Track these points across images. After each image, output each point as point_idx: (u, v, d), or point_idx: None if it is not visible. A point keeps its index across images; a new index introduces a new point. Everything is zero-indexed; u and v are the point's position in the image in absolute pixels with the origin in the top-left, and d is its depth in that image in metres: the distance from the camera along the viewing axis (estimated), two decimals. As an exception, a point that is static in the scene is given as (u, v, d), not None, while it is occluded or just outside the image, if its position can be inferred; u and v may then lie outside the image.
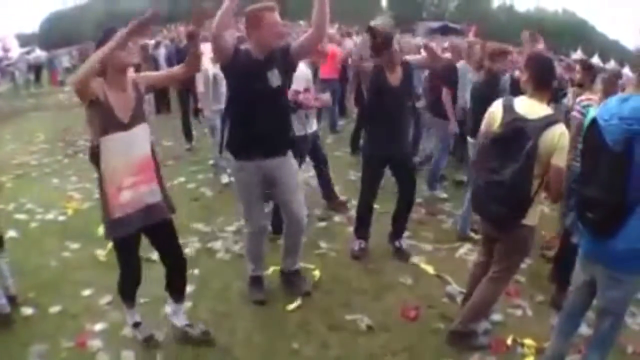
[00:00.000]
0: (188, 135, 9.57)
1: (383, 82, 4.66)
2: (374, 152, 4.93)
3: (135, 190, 3.20)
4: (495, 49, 5.43)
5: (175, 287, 3.66)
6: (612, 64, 23.76)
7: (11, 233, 5.40)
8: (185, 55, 3.53)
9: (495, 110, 3.39)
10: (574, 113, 4.70)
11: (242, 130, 3.84)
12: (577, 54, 25.64)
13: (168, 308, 3.87)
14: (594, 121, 2.87)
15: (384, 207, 5.63)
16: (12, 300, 4.05)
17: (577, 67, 5.80)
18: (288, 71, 3.90)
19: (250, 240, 4.20)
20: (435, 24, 39.61)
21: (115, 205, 3.15)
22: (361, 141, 7.03)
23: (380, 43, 4.85)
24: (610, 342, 3.13)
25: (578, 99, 4.80)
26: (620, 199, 2.68)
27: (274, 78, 3.74)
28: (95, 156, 3.14)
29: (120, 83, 3.14)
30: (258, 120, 3.74)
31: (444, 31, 33.69)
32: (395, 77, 4.67)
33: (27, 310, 4.07)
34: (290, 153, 4.03)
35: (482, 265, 3.81)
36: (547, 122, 3.12)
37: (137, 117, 3.20)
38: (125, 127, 3.12)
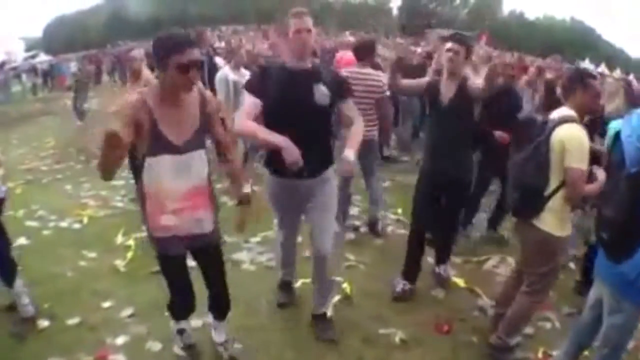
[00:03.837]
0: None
1: (435, 97, 4.22)
2: (423, 171, 4.46)
3: (179, 217, 2.92)
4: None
5: (218, 310, 3.51)
6: (618, 73, 23.71)
7: (21, 240, 5.29)
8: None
9: None
10: None
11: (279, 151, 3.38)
12: (586, 63, 25.64)
13: (198, 321, 3.80)
14: (617, 136, 2.75)
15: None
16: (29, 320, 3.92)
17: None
18: (338, 96, 3.51)
19: (282, 247, 4.04)
20: (446, 32, 39.50)
21: (157, 227, 2.93)
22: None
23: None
24: None
25: None
26: (633, 221, 2.58)
27: (320, 94, 3.40)
28: (136, 169, 2.91)
29: (177, 100, 2.80)
30: (300, 142, 3.26)
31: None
32: (447, 94, 4.16)
33: (44, 323, 3.92)
34: (331, 171, 3.68)
35: (518, 274, 3.82)
36: (559, 121, 3.16)
37: (194, 142, 2.88)
38: (178, 150, 2.81)
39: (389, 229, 6.14)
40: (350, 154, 3.39)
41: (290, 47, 3.43)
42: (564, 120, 3.15)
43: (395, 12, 70.99)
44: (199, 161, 2.92)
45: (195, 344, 3.58)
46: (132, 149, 2.73)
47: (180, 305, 3.33)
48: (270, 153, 3.51)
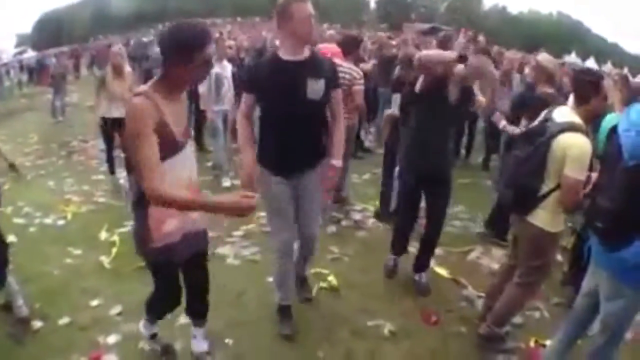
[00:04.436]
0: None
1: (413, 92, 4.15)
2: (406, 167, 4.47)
3: (181, 218, 2.79)
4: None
5: (197, 312, 3.35)
6: (609, 67, 23.95)
7: (10, 238, 5.21)
8: None
9: (541, 114, 3.50)
10: None
11: (274, 146, 3.45)
12: (571, 57, 25.81)
13: (184, 319, 3.71)
14: (614, 130, 2.78)
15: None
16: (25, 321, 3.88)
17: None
18: (332, 85, 3.49)
19: (278, 261, 3.71)
20: (425, 26, 39.35)
21: (159, 235, 2.73)
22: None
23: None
24: (606, 357, 3.01)
25: None
26: (632, 212, 2.60)
27: (312, 89, 3.33)
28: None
29: (180, 94, 2.71)
30: (292, 137, 3.36)
31: (434, 33, 33.59)
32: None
33: (37, 324, 3.88)
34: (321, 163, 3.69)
35: (508, 268, 3.85)
36: (565, 127, 3.14)
37: (187, 132, 2.80)
38: (182, 147, 2.70)
39: (370, 221, 6.20)
40: (336, 160, 3.51)
41: (291, 34, 3.28)
42: (571, 128, 3.12)
43: (373, 5, 70.86)
44: (192, 153, 2.86)
45: (171, 343, 3.56)
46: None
47: (169, 304, 3.16)
48: (264, 152, 3.53)
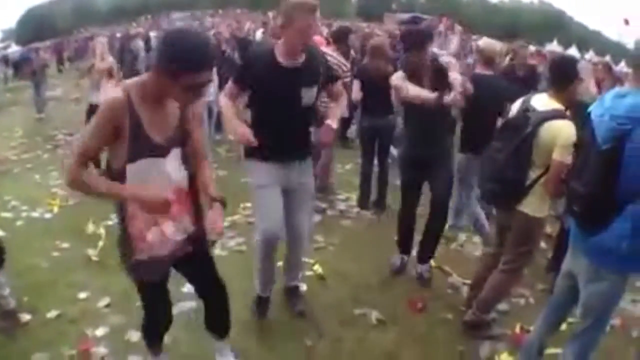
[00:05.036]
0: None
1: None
2: (406, 155, 4.56)
3: (164, 225, 2.55)
4: None
5: (219, 324, 3.09)
6: (591, 55, 24.13)
7: (-1, 232, 5.23)
8: None
9: (517, 103, 3.53)
10: None
11: (264, 139, 3.35)
12: (553, 46, 25.89)
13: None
14: (588, 115, 2.82)
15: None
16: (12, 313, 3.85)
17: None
18: (329, 81, 3.59)
19: (260, 251, 3.65)
20: (405, 16, 39.07)
21: (141, 247, 2.53)
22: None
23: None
24: (588, 343, 2.98)
25: None
26: (608, 196, 2.60)
27: (307, 96, 3.41)
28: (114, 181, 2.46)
29: (163, 100, 2.45)
30: (283, 133, 3.41)
31: (414, 23, 33.39)
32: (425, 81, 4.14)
33: (25, 317, 3.87)
34: (310, 159, 3.76)
35: (492, 255, 3.88)
36: (551, 115, 3.19)
37: (175, 139, 2.51)
38: (162, 150, 2.45)
39: (355, 210, 6.26)
40: (332, 122, 3.49)
41: (290, 40, 3.27)
42: (557, 116, 3.18)
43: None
44: (177, 161, 2.55)
45: None
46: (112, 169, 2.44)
47: (158, 323, 2.93)
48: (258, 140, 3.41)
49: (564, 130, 3.13)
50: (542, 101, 3.33)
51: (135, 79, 2.46)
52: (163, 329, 2.96)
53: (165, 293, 2.82)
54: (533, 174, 3.30)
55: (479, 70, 5.04)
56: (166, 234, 2.56)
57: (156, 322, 2.91)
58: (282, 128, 3.38)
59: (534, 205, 3.36)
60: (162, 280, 2.74)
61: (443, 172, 4.38)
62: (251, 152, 3.54)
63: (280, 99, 3.36)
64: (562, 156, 3.12)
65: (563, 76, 3.36)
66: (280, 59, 3.32)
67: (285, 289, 4.12)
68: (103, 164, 2.52)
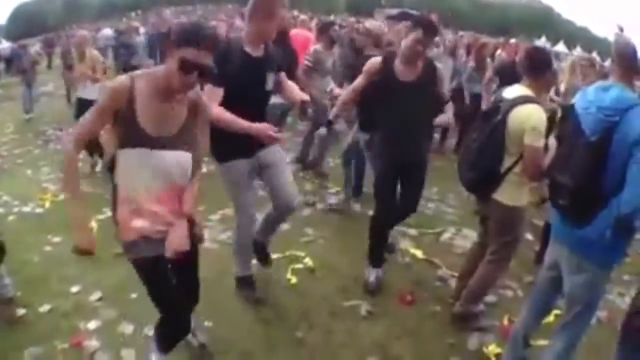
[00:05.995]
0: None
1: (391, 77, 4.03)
2: (383, 157, 4.31)
3: (152, 221, 2.55)
4: None
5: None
6: (578, 51, 24.32)
7: (-9, 228, 5.23)
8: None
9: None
10: None
11: (228, 138, 3.39)
12: (541, 42, 26.05)
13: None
14: (571, 108, 2.87)
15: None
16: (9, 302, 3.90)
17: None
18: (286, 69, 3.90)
19: (241, 233, 3.83)
20: (394, 11, 38.96)
21: (128, 229, 2.54)
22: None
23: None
24: (575, 335, 3.00)
25: None
26: (593, 189, 2.64)
27: (271, 81, 3.64)
28: (111, 169, 2.58)
29: (168, 98, 2.49)
30: (249, 117, 3.38)
31: (403, 18, 33.28)
32: (410, 72, 4.01)
33: (20, 311, 3.89)
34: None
35: (479, 245, 3.97)
36: (518, 101, 3.26)
37: (176, 140, 2.53)
38: (156, 144, 2.47)
39: (345, 204, 6.23)
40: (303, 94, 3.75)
41: (255, 30, 3.44)
42: (524, 101, 3.23)
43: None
44: (180, 162, 2.57)
45: None
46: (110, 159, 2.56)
47: (177, 322, 2.80)
48: (217, 142, 3.35)
49: (532, 114, 3.18)
50: (512, 90, 3.42)
51: (149, 69, 2.55)
52: (180, 335, 2.86)
53: (167, 275, 2.69)
54: (507, 162, 3.35)
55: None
56: (147, 227, 2.57)
57: (171, 322, 2.77)
58: (250, 114, 3.40)
59: (509, 194, 3.42)
60: (161, 262, 2.61)
61: (420, 168, 4.25)
62: (224, 156, 3.62)
63: (250, 87, 3.47)
64: (532, 140, 3.16)
65: (536, 66, 3.43)
66: (249, 50, 3.47)
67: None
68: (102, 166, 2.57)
